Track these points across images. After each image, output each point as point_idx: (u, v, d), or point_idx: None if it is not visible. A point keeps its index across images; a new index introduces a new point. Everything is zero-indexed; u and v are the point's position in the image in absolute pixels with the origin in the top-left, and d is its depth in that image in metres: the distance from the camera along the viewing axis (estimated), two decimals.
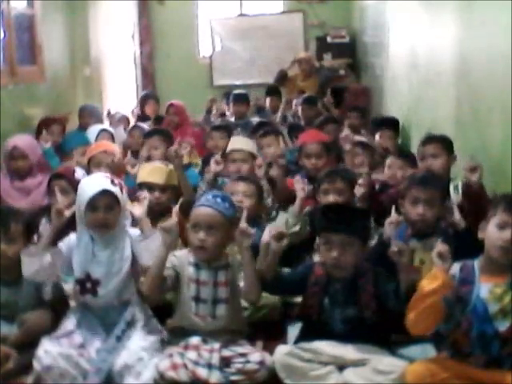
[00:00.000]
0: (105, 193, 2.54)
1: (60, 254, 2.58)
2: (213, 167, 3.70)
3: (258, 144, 4.64)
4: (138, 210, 2.91)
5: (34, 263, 2.53)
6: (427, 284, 2.14)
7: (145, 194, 3.15)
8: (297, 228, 3.26)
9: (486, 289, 2.15)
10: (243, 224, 2.47)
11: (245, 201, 3.16)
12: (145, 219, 2.85)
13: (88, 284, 2.58)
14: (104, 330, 2.56)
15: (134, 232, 2.72)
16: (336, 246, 2.41)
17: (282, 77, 7.11)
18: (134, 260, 2.63)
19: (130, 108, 7.01)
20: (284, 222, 3.19)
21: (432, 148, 3.33)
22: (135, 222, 2.95)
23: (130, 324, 2.57)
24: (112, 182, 2.59)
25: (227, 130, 4.68)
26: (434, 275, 2.14)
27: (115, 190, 2.57)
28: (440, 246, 2.17)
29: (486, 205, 2.82)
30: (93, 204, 2.53)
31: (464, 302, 2.17)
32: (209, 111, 6.25)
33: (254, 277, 2.50)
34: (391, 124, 4.74)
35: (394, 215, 2.77)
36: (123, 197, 2.63)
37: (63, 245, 2.62)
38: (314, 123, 5.15)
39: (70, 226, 2.69)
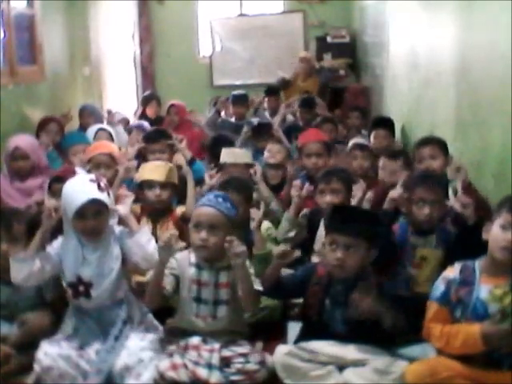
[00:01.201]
0: (93, 201, 2.48)
1: (49, 259, 2.54)
2: (207, 181, 3.72)
3: (259, 146, 4.67)
4: (123, 208, 2.80)
5: (23, 269, 2.49)
6: (473, 346, 2.12)
7: (128, 193, 3.16)
8: (292, 234, 3.29)
9: (486, 290, 2.15)
10: (235, 245, 2.43)
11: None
12: (130, 217, 2.80)
13: (81, 287, 2.55)
14: (101, 330, 2.55)
15: (120, 229, 2.67)
16: (341, 247, 2.41)
17: (284, 83, 7.10)
18: (124, 258, 2.61)
19: (132, 109, 7.00)
20: (266, 229, 3.18)
21: (430, 150, 3.34)
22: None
23: (127, 322, 2.57)
24: (99, 186, 2.52)
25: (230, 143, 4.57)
26: (474, 343, 2.11)
27: (103, 196, 2.51)
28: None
29: (480, 204, 2.87)
30: (81, 212, 2.48)
31: (464, 303, 2.17)
32: (218, 112, 6.21)
33: (250, 290, 2.50)
34: (385, 124, 4.71)
35: (396, 191, 2.87)
36: (110, 199, 2.58)
37: (51, 249, 2.58)
38: (311, 124, 5.15)
39: (58, 228, 2.64)
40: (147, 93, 7.48)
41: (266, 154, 4.30)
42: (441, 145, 3.38)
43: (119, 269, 2.58)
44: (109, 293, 2.57)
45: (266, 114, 6.41)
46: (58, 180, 3.39)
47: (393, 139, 4.69)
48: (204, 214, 2.52)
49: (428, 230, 2.81)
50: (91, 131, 4.76)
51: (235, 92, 6.28)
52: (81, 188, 2.51)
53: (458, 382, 2.15)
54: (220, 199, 2.55)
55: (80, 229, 2.53)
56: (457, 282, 2.21)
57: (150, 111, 6.53)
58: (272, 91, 6.71)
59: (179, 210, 3.46)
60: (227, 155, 3.99)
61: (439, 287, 2.25)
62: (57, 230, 2.63)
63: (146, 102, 6.70)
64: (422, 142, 3.47)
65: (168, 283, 2.53)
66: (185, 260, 2.59)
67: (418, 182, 2.83)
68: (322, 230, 3.13)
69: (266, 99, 6.58)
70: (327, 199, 3.20)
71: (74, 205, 2.46)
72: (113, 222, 2.67)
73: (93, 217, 2.50)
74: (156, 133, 4.49)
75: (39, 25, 5.32)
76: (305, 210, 3.42)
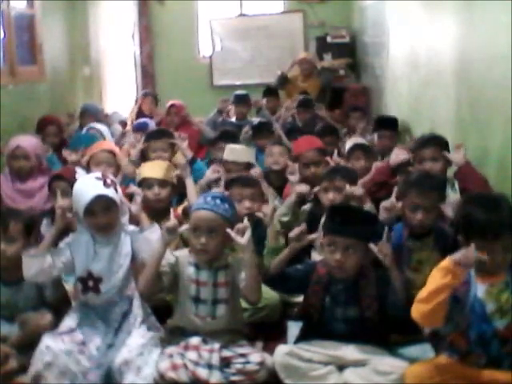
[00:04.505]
0: (100, 197, 2.53)
1: (60, 255, 2.59)
2: (208, 174, 3.71)
3: (260, 145, 4.67)
4: (133, 206, 2.93)
5: (34, 265, 2.54)
6: (442, 277, 2.05)
7: (137, 190, 3.20)
8: (285, 218, 3.31)
9: (482, 288, 2.15)
10: (237, 228, 2.47)
11: (253, 205, 3.14)
12: (141, 214, 2.84)
13: (90, 282, 2.60)
14: (105, 326, 2.57)
15: (132, 228, 2.74)
16: (340, 249, 2.41)
17: (283, 79, 7.09)
18: (134, 256, 2.65)
19: (130, 107, 6.99)
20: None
21: (431, 151, 3.26)
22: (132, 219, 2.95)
23: (127, 315, 2.59)
24: (105, 182, 2.58)
25: (233, 139, 4.56)
26: (447, 268, 2.05)
27: (109, 192, 2.56)
28: (460, 255, 2.04)
29: (481, 182, 2.99)
30: (90, 209, 2.54)
31: (461, 302, 2.17)
32: (220, 111, 6.20)
33: (256, 277, 2.49)
34: (389, 124, 4.68)
35: (390, 201, 2.86)
36: (118, 195, 2.63)
37: (64, 245, 2.63)
38: (310, 125, 5.14)
39: (69, 225, 2.70)
40: (144, 90, 7.43)
41: (267, 157, 4.21)
42: (442, 146, 3.30)
43: (128, 266, 2.62)
44: (117, 289, 2.61)
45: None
46: (58, 178, 3.39)
47: (397, 138, 4.65)
48: (203, 219, 2.50)
49: (424, 233, 2.78)
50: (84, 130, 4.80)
51: (237, 92, 6.28)
52: (87, 186, 2.59)
53: (458, 383, 2.15)
54: (218, 201, 2.53)
55: (92, 225, 2.59)
56: None
57: (145, 106, 6.54)
58: (271, 91, 6.72)
59: (180, 208, 3.46)
60: (229, 152, 3.99)
61: None
62: (67, 228, 2.69)
63: (142, 98, 6.69)
64: (422, 142, 3.37)
65: (164, 273, 2.53)
66: (184, 259, 2.59)
67: (412, 187, 2.78)
68: None
69: (265, 99, 6.58)
70: (330, 197, 3.20)
71: (82, 202, 2.54)
72: (125, 219, 2.71)
73: (102, 213, 2.56)
74: (158, 131, 4.53)
75: (39, 25, 5.32)
76: (307, 205, 3.42)
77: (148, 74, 8.75)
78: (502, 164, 3.05)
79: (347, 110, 5.88)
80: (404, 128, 4.95)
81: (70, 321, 2.59)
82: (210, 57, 8.86)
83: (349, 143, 4.18)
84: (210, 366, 2.37)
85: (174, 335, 2.58)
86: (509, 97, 2.86)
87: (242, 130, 5.25)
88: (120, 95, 7.63)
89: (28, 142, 3.99)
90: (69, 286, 2.86)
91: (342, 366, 2.38)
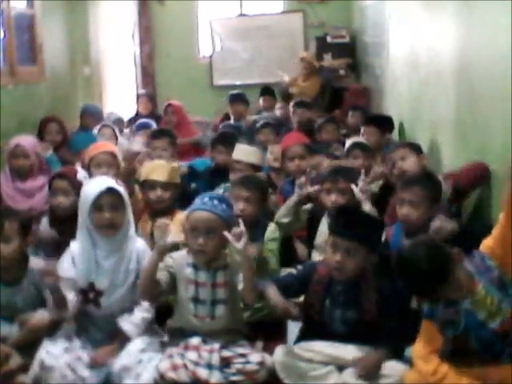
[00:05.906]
0: (110, 191, 2.52)
1: (70, 282, 2.54)
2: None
3: (261, 139, 4.68)
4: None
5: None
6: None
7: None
8: (286, 220, 3.27)
9: (467, 301, 2.16)
10: (233, 231, 2.44)
11: (247, 207, 3.10)
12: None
13: (91, 294, 2.57)
14: (103, 338, 2.56)
15: (142, 245, 2.67)
16: (341, 250, 2.40)
17: (285, 94, 7.05)
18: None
19: (132, 109, 7.03)
20: (272, 231, 3.12)
21: (399, 152, 3.46)
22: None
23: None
24: (116, 182, 2.61)
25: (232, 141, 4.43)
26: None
27: (120, 189, 2.57)
28: None
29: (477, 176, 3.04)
30: (98, 203, 2.51)
31: (455, 322, 2.17)
32: (227, 117, 6.19)
33: (251, 280, 2.49)
34: (376, 121, 4.70)
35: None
36: (127, 197, 2.62)
37: (66, 262, 2.58)
38: (305, 126, 5.16)
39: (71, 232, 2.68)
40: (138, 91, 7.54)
41: (268, 156, 4.28)
42: (411, 146, 3.51)
43: (133, 281, 2.58)
44: (118, 303, 2.58)
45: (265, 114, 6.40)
46: (59, 177, 3.37)
47: (382, 137, 4.63)
48: (200, 219, 2.49)
49: (422, 232, 2.74)
50: (96, 129, 4.85)
51: (232, 91, 6.29)
52: (99, 181, 2.60)
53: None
54: (216, 201, 2.52)
55: (97, 222, 2.54)
56: (441, 304, 2.20)
57: (141, 107, 6.58)
58: (267, 91, 6.72)
59: (183, 214, 3.42)
60: (237, 150, 3.96)
61: (425, 306, 2.25)
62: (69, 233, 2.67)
63: (137, 100, 6.78)
64: (391, 148, 3.62)
65: (162, 279, 2.51)
66: (182, 260, 2.58)
67: (400, 184, 2.91)
68: (323, 227, 3.14)
69: (262, 99, 6.59)
70: (333, 198, 3.19)
71: (91, 196, 2.51)
72: (131, 230, 2.64)
73: (109, 209, 2.53)
74: (159, 131, 4.59)
75: (39, 25, 5.32)
76: (307, 206, 3.41)
77: (148, 74, 8.75)
78: (502, 164, 3.04)
79: (347, 110, 5.88)
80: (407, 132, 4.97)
81: (68, 330, 2.58)
82: (210, 57, 8.86)
83: (348, 142, 4.20)
84: (210, 366, 2.37)
85: (173, 336, 2.59)
86: (509, 97, 2.85)
87: (241, 130, 5.26)
88: (120, 95, 7.63)
89: (27, 141, 4.01)
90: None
91: (341, 367, 2.38)
